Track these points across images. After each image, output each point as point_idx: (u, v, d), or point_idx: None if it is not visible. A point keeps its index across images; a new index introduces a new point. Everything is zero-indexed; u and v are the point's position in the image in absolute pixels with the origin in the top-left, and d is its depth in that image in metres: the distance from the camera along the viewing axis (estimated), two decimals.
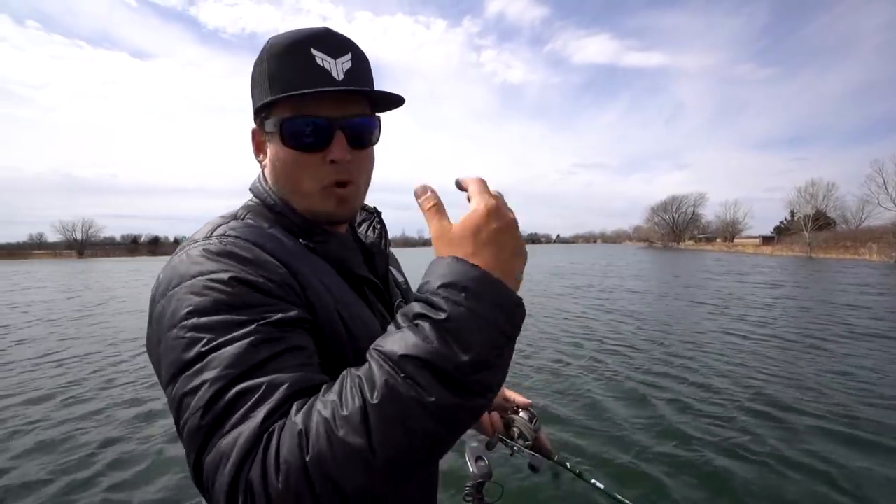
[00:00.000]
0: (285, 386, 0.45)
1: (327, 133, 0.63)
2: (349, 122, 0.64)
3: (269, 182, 0.70)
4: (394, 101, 0.69)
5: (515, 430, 0.89)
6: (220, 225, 0.62)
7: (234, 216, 0.67)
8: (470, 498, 0.98)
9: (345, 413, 0.41)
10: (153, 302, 0.56)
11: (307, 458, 0.40)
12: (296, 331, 0.52)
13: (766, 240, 69.45)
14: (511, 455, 0.89)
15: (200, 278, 0.52)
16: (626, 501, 0.86)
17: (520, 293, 0.43)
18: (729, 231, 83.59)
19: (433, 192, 0.55)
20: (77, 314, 12.39)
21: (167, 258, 0.62)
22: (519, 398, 0.95)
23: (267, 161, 0.69)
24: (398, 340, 0.44)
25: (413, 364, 0.42)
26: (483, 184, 0.53)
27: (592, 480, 0.92)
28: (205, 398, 0.45)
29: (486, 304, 0.43)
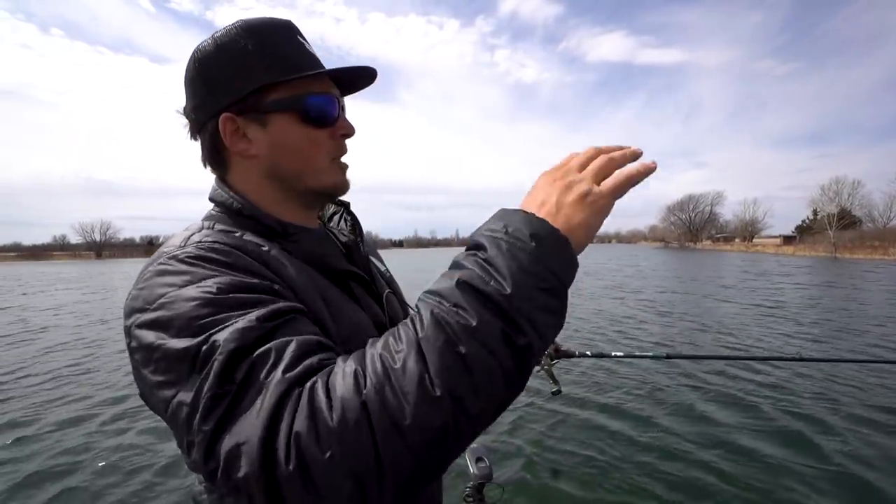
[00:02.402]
0: (293, 343, 0.44)
1: (339, 110, 0.68)
2: (342, 101, 0.70)
3: (246, 180, 0.67)
4: (356, 86, 0.74)
5: None
6: (191, 235, 0.58)
7: (200, 228, 0.62)
8: (470, 499, 0.98)
9: (401, 345, 0.41)
10: (133, 322, 0.50)
11: (365, 392, 0.39)
12: (297, 315, 0.50)
13: (788, 239, 67.67)
14: (552, 381, 0.89)
15: (188, 288, 0.48)
16: (647, 354, 0.89)
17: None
18: (748, 231, 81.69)
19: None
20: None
21: None
22: None
23: (256, 148, 0.64)
24: (442, 279, 0.45)
25: (457, 290, 0.42)
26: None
27: (613, 353, 1.00)
28: (214, 378, 0.42)
29: (525, 244, 0.43)
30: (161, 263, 0.53)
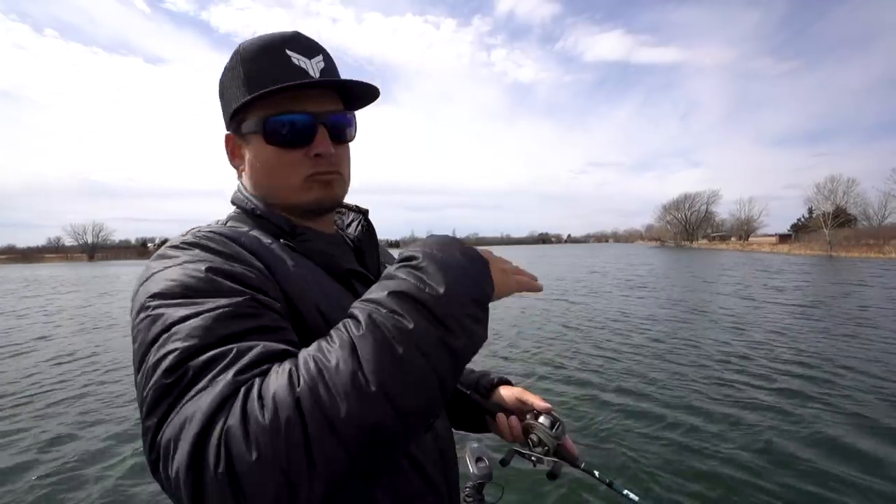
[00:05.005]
0: (258, 348, 0.44)
1: (311, 129, 0.64)
2: (331, 118, 0.66)
3: (249, 188, 0.70)
4: (367, 98, 0.71)
5: (534, 436, 0.83)
6: (199, 228, 0.62)
7: (216, 223, 0.66)
8: (470, 499, 0.97)
9: (334, 346, 0.42)
10: (132, 300, 0.53)
11: (298, 389, 0.39)
12: (271, 313, 0.50)
13: (784, 238, 67.89)
14: (534, 466, 0.84)
15: (174, 267, 0.51)
16: None
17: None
18: (744, 229, 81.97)
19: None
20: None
21: None
22: (538, 402, 0.88)
23: (245, 165, 0.69)
24: (377, 288, 0.48)
25: (392, 298, 0.45)
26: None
27: (625, 491, 0.85)
28: (171, 364, 0.42)
29: (456, 258, 0.50)
30: (162, 249, 0.57)
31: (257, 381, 0.41)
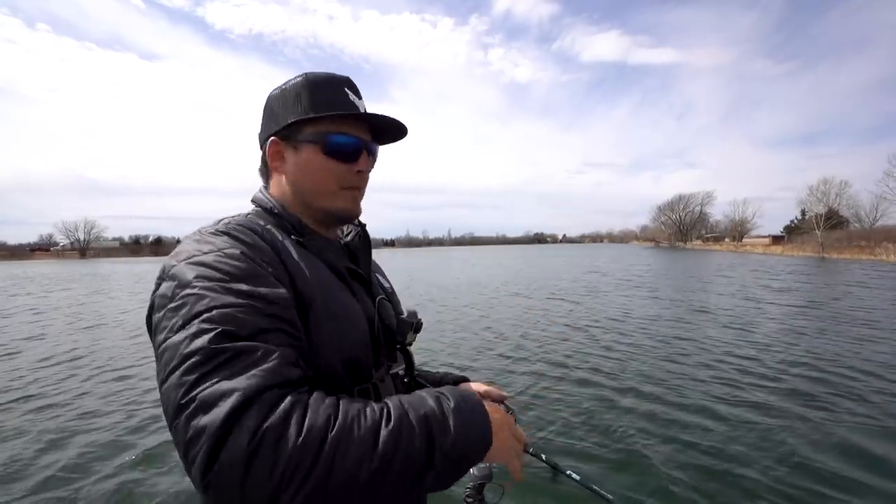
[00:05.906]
0: (279, 352, 0.56)
1: (360, 150, 0.82)
2: (371, 145, 0.85)
3: (279, 187, 0.85)
4: (391, 137, 0.89)
5: None
6: (227, 219, 0.77)
7: (240, 216, 0.80)
8: (471, 499, 0.99)
9: (367, 423, 0.54)
10: (160, 278, 0.63)
11: (330, 435, 0.50)
12: (287, 308, 0.64)
13: (776, 239, 68.31)
14: None
15: (210, 254, 0.63)
16: (607, 495, 0.86)
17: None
18: (737, 231, 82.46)
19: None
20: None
21: None
22: (494, 391, 0.97)
23: (286, 167, 0.82)
24: (419, 399, 0.61)
25: (422, 420, 0.57)
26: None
27: (568, 472, 0.95)
28: (208, 342, 0.53)
29: (477, 423, 0.62)
30: (198, 233, 0.71)
31: (302, 400, 0.53)
